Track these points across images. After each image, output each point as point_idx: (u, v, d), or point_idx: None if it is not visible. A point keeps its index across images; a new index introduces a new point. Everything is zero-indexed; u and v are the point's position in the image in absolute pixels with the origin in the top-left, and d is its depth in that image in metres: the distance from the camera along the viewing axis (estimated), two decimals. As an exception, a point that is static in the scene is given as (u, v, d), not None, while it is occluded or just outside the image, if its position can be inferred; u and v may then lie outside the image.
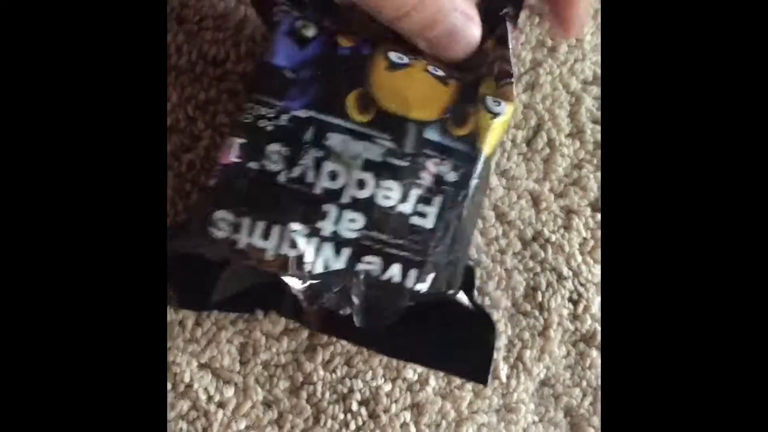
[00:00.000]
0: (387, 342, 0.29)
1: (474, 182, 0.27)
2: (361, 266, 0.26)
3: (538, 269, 0.32)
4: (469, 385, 0.32)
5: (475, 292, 0.30)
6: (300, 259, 0.25)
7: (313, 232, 0.25)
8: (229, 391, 0.30)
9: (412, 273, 0.26)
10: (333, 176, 0.25)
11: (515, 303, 0.32)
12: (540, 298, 0.32)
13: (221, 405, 0.30)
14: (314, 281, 0.26)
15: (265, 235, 0.25)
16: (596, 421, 0.32)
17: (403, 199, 0.26)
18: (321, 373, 0.31)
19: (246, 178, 0.25)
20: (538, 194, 0.33)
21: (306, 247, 0.25)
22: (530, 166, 0.33)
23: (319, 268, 0.25)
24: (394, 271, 0.26)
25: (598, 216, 0.32)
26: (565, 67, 0.33)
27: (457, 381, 0.32)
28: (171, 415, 0.30)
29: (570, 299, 0.33)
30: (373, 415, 0.31)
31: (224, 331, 0.30)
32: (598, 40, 0.34)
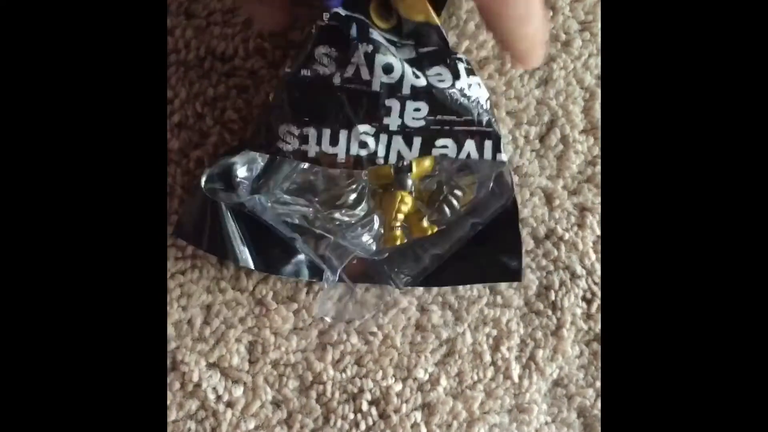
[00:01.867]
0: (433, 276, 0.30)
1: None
2: (435, 151, 0.25)
3: (551, 268, 0.32)
4: (480, 386, 0.31)
5: None
6: (373, 156, 0.25)
7: (381, 129, 0.25)
8: (238, 391, 0.30)
9: (488, 144, 0.26)
10: (388, 69, 0.25)
11: (528, 302, 0.32)
12: (553, 297, 0.32)
13: (230, 404, 0.30)
14: None
15: (334, 141, 0.25)
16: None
17: (456, 76, 0.26)
18: (331, 372, 0.30)
19: (301, 87, 0.25)
20: (551, 191, 0.32)
21: (377, 146, 0.25)
22: (543, 162, 0.32)
23: (393, 159, 0.25)
24: (470, 147, 0.26)
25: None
26: (579, 62, 0.33)
27: (469, 381, 0.31)
28: (179, 414, 0.30)
29: (583, 298, 0.32)
30: (383, 415, 0.31)
31: (233, 330, 0.30)
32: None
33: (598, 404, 0.32)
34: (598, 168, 0.32)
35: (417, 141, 0.25)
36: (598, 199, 0.32)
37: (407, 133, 0.25)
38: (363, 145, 0.25)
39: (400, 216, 0.27)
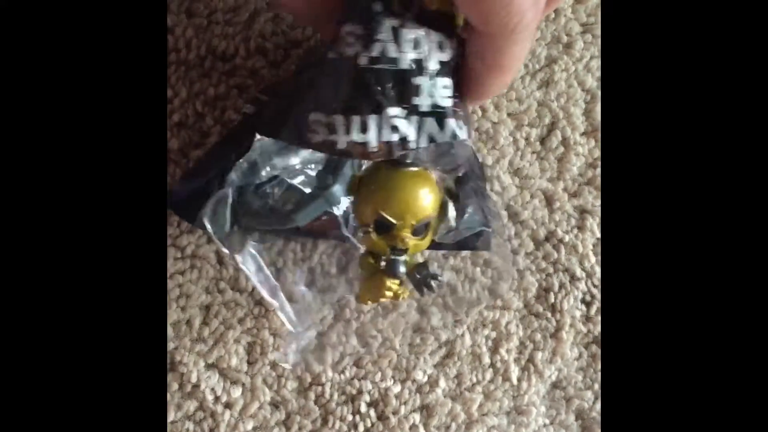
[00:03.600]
0: None
1: None
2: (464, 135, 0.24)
3: (551, 270, 0.32)
4: (479, 387, 0.31)
5: None
6: (404, 140, 0.23)
7: (411, 111, 0.23)
8: (237, 392, 0.30)
9: None
10: (416, 44, 0.23)
11: (527, 304, 0.32)
12: (552, 300, 0.32)
13: (228, 405, 0.30)
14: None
15: (364, 128, 0.23)
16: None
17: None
18: (329, 373, 0.30)
19: (328, 72, 0.23)
20: (551, 194, 0.32)
21: (408, 128, 0.23)
22: (544, 164, 0.32)
23: (423, 143, 0.23)
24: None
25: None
26: (581, 64, 0.33)
27: (467, 383, 0.31)
28: (178, 415, 0.30)
29: (583, 301, 0.32)
30: (382, 417, 0.31)
31: (232, 331, 0.30)
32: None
33: (597, 406, 0.32)
34: (599, 170, 0.32)
35: (450, 123, 0.23)
36: (599, 202, 0.32)
37: (439, 114, 0.23)
38: (394, 129, 0.23)
39: (383, 300, 0.26)
